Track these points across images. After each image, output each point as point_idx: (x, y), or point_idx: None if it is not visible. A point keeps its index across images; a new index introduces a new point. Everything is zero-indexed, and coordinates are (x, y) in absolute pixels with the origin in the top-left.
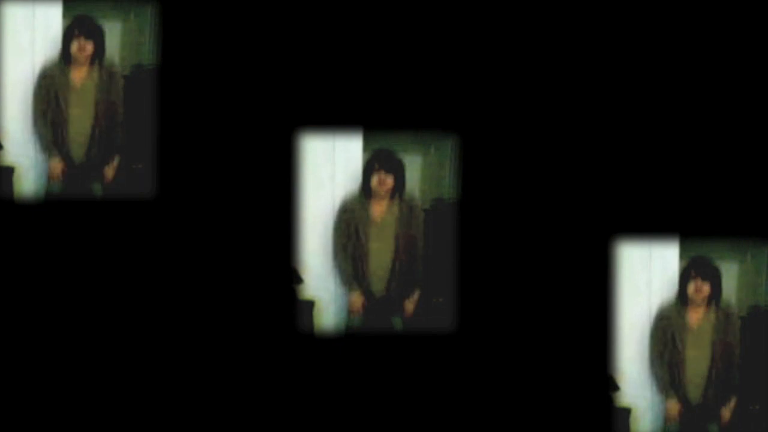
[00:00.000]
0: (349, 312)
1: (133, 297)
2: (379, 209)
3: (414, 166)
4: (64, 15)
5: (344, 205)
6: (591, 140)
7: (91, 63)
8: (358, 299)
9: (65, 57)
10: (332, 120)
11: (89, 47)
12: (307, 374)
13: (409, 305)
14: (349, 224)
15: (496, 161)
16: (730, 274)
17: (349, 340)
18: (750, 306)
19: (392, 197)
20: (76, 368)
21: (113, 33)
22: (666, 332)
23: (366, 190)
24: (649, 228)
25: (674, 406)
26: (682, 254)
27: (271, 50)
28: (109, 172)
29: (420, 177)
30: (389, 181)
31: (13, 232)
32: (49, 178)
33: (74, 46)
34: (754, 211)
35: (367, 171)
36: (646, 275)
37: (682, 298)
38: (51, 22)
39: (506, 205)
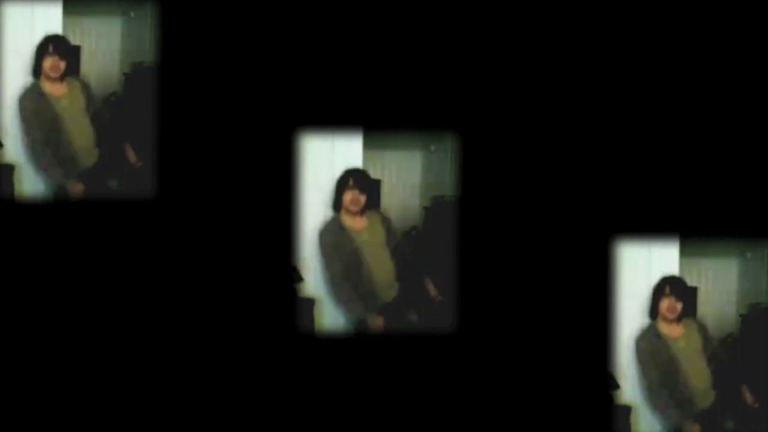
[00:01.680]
0: (372, 332)
1: (133, 297)
2: (359, 223)
3: (414, 165)
4: (64, 15)
5: (322, 232)
6: (591, 140)
7: (62, 79)
8: (379, 320)
9: (36, 72)
10: (332, 120)
11: (62, 65)
12: (308, 373)
13: (431, 290)
14: (339, 250)
15: (496, 160)
16: (730, 272)
17: (349, 340)
18: (750, 304)
19: (362, 213)
20: (76, 368)
21: (113, 31)
22: (655, 357)
23: (337, 205)
24: (649, 228)
25: (694, 428)
26: (682, 254)
27: (270, 50)
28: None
29: (420, 176)
30: (362, 199)
31: (13, 231)
32: (73, 198)
33: (47, 64)
34: (753, 211)
35: (340, 187)
36: (646, 275)
37: (653, 313)
38: (51, 23)
39: (506, 204)
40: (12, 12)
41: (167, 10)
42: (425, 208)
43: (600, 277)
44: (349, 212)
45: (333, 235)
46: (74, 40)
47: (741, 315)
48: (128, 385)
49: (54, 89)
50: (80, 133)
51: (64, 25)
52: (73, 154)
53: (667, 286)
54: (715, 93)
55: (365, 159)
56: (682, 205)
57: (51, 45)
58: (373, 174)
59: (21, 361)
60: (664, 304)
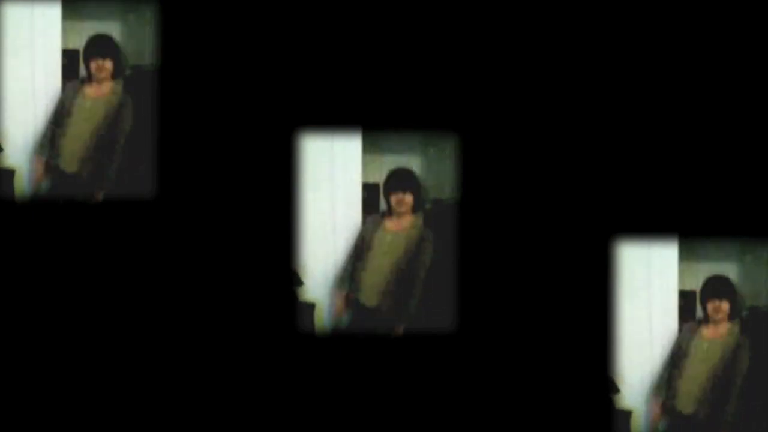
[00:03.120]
0: (334, 312)
1: (133, 297)
2: (400, 224)
3: (414, 167)
4: (63, 17)
5: (363, 229)
6: (591, 140)
7: (114, 78)
8: (341, 301)
9: (87, 77)
10: (332, 120)
11: (108, 65)
12: (308, 375)
13: (398, 329)
14: (363, 235)
15: (496, 161)
16: (730, 274)
17: (348, 341)
18: (750, 306)
19: (414, 213)
20: (77, 368)
21: (113, 33)
22: (680, 344)
23: (387, 211)
24: (649, 228)
25: (657, 407)
26: (682, 254)
27: (270, 50)
28: (109, 178)
29: (420, 177)
30: (408, 199)
31: (14, 234)
32: (35, 178)
33: (93, 66)
34: (754, 211)
35: (386, 192)
36: (646, 275)
37: (705, 318)
38: (50, 22)
39: (506, 205)
40: (12, 12)
41: (167, 11)
42: (425, 209)
43: (600, 277)
44: (398, 214)
45: (367, 231)
46: (73, 42)
47: (741, 318)
48: (129, 385)
49: (96, 90)
50: (77, 140)
51: (63, 27)
52: (59, 151)
53: (709, 290)
54: (714, 93)
55: (364, 160)
56: (681, 205)
57: (94, 46)
58: (372, 175)
59: (22, 360)
60: (710, 307)
